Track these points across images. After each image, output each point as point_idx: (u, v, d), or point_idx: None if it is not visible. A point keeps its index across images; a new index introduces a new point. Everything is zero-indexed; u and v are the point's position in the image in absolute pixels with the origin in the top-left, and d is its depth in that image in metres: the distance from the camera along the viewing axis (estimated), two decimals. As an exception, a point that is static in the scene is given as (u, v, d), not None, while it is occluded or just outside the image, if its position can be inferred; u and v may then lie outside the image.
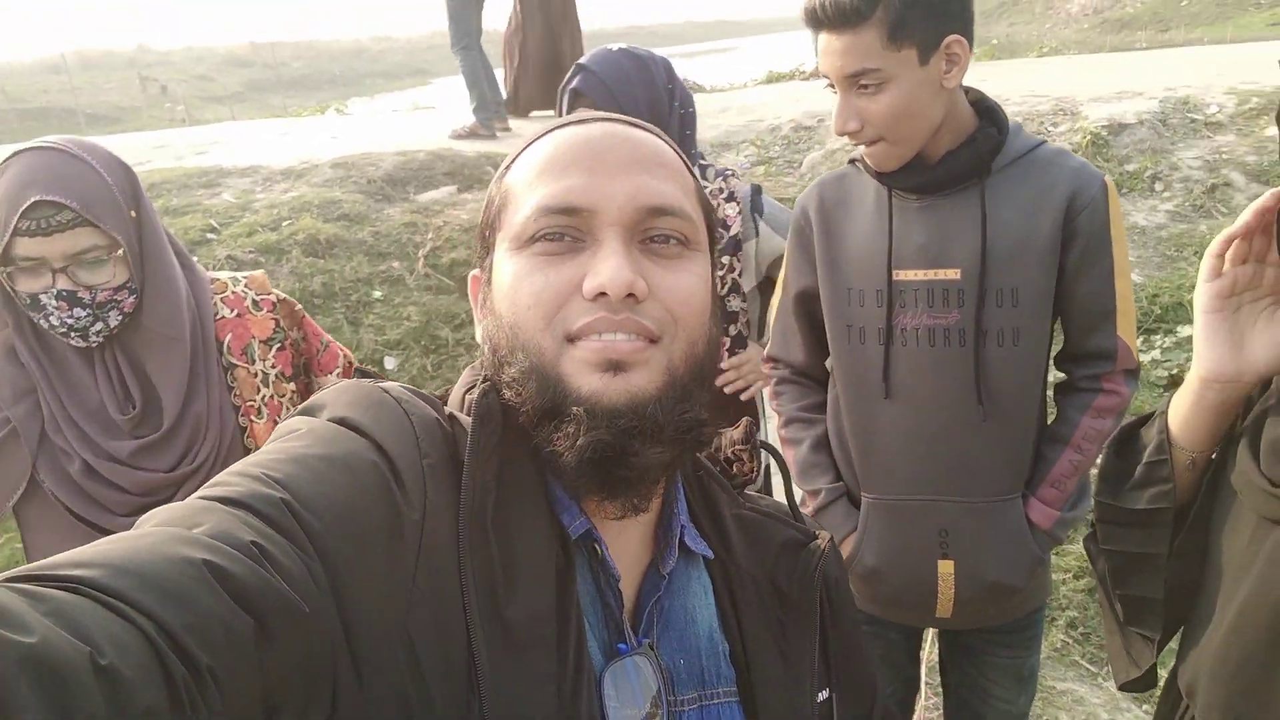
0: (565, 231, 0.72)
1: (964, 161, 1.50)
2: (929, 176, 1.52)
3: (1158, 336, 4.22)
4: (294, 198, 5.43)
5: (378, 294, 4.73)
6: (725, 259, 1.98)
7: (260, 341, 1.72)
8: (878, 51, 1.41)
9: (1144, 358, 4.10)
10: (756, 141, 6.23)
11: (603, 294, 0.69)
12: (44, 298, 1.45)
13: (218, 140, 7.36)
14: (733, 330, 2.06)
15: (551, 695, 0.66)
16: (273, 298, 1.76)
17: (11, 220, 1.40)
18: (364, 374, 0.75)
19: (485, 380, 0.74)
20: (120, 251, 1.50)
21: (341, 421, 0.68)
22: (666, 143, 0.79)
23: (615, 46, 1.98)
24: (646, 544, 0.80)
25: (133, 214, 1.53)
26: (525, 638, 0.67)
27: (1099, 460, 1.19)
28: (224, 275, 1.76)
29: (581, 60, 1.95)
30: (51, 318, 1.47)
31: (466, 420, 0.73)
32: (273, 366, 1.72)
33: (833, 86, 1.51)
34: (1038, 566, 1.62)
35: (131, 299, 1.54)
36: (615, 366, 0.70)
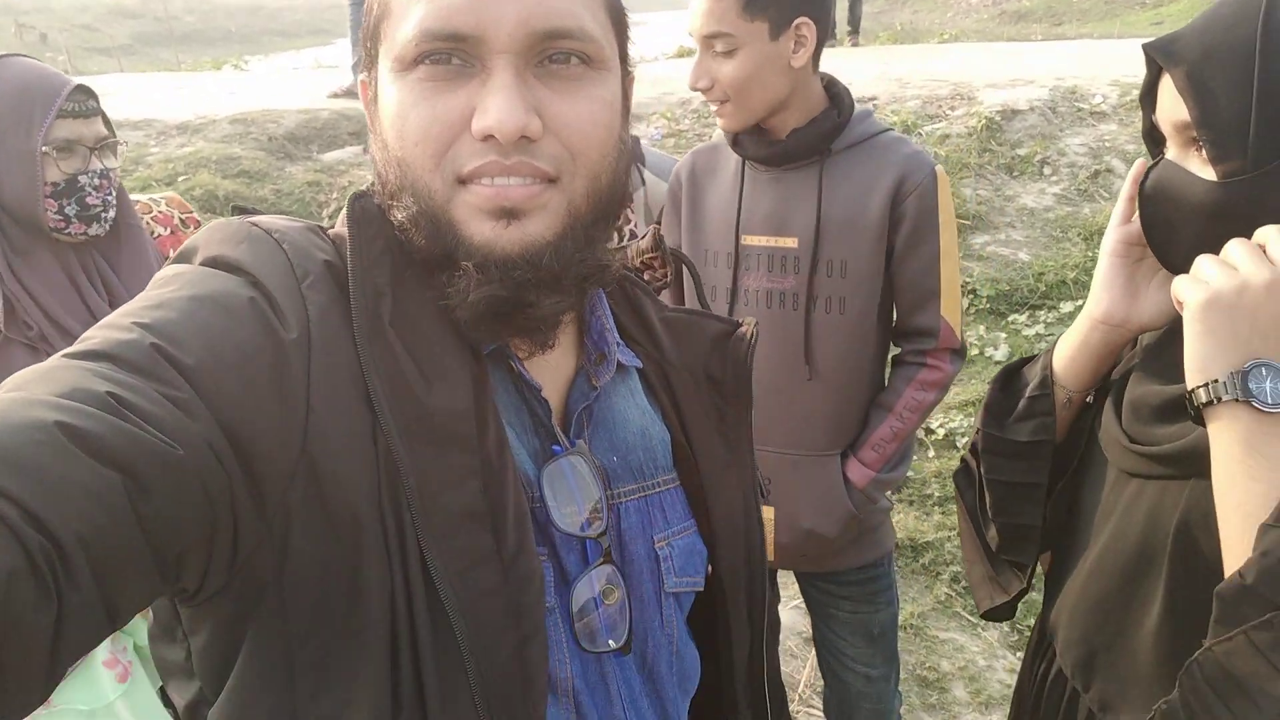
0: (452, 53, 0.66)
1: (806, 139, 1.62)
2: (775, 150, 1.63)
3: (1042, 312, 4.45)
4: (190, 153, 5.25)
5: (280, 254, 4.62)
6: None
7: None
8: (733, 19, 1.52)
9: (1028, 332, 4.32)
10: (667, 114, 6.28)
11: (492, 135, 0.64)
12: (82, 178, 1.55)
13: (106, 91, 6.99)
14: None
15: (476, 490, 0.65)
16: (195, 215, 1.87)
17: (55, 102, 1.51)
18: (241, 210, 0.71)
19: (354, 192, 0.72)
20: (118, 144, 1.62)
21: (213, 262, 0.65)
22: None
23: None
24: (569, 353, 0.80)
25: None
26: (442, 432, 0.65)
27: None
28: (143, 197, 1.82)
29: None
30: (89, 198, 1.57)
31: (345, 231, 0.70)
32: None
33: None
34: (849, 519, 1.72)
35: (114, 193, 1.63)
36: (509, 214, 0.66)
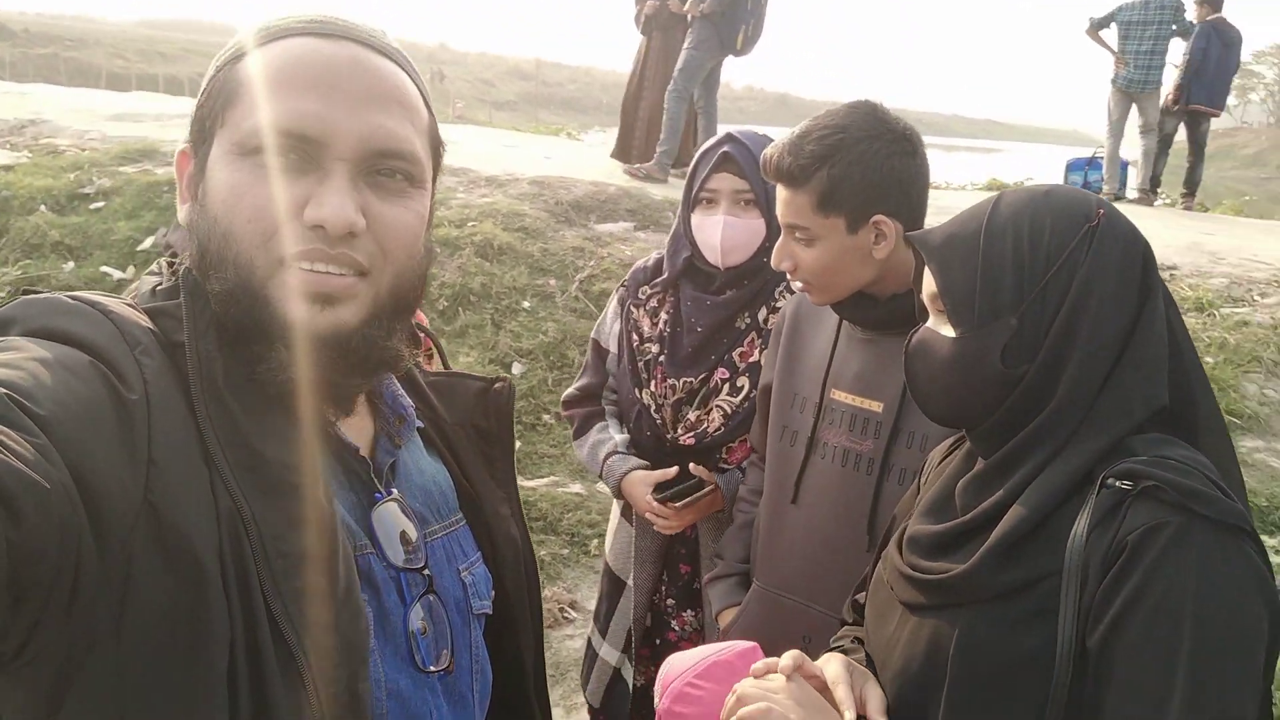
0: (291, 149, 0.74)
1: (905, 308, 1.54)
2: (872, 314, 1.61)
3: None
4: (487, 204, 5.91)
5: (526, 305, 5.07)
6: None
7: None
8: (808, 214, 1.53)
9: (1276, 559, 3.73)
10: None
11: (322, 226, 0.73)
12: None
13: (453, 140, 8.04)
14: None
15: (311, 536, 0.73)
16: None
17: None
18: (29, 292, 0.74)
19: (184, 267, 0.78)
20: None
21: (42, 333, 0.68)
22: (409, 73, 0.83)
23: (760, 132, 2.10)
24: (366, 417, 0.90)
25: None
26: (279, 484, 0.73)
27: None
28: None
29: (732, 131, 2.07)
30: None
31: (167, 305, 0.76)
32: None
33: None
34: None
35: None
36: (324, 300, 0.75)
